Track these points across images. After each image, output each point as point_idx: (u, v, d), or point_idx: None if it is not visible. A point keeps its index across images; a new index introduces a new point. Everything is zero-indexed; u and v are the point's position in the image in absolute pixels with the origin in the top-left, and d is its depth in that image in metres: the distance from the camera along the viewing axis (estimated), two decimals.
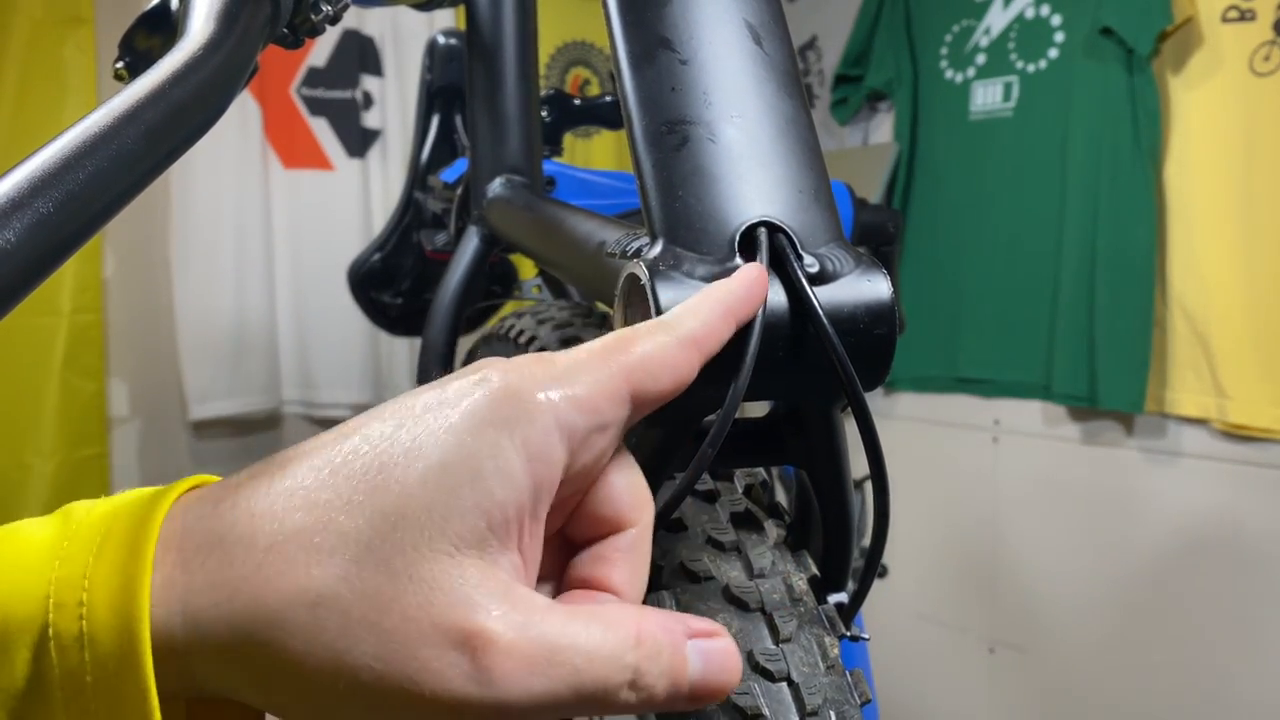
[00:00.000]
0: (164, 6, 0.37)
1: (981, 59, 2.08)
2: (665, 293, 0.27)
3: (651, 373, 0.25)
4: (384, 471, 0.22)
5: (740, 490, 0.35)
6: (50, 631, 0.21)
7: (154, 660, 0.21)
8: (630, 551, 0.26)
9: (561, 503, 0.25)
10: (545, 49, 2.38)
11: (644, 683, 0.23)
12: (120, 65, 0.38)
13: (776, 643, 0.30)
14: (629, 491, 0.26)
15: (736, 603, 0.30)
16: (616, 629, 0.23)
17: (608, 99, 1.09)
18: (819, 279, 0.28)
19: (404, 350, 2.13)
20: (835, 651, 0.31)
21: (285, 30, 0.40)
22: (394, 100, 2.16)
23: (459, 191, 0.87)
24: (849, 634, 0.33)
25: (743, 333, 0.27)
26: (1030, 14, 1.98)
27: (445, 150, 1.23)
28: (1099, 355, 1.80)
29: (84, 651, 0.21)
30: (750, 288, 0.28)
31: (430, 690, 0.21)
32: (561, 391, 0.24)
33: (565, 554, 0.26)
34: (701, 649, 0.24)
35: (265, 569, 0.21)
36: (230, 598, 0.21)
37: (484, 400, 0.23)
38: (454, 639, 0.21)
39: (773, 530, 0.34)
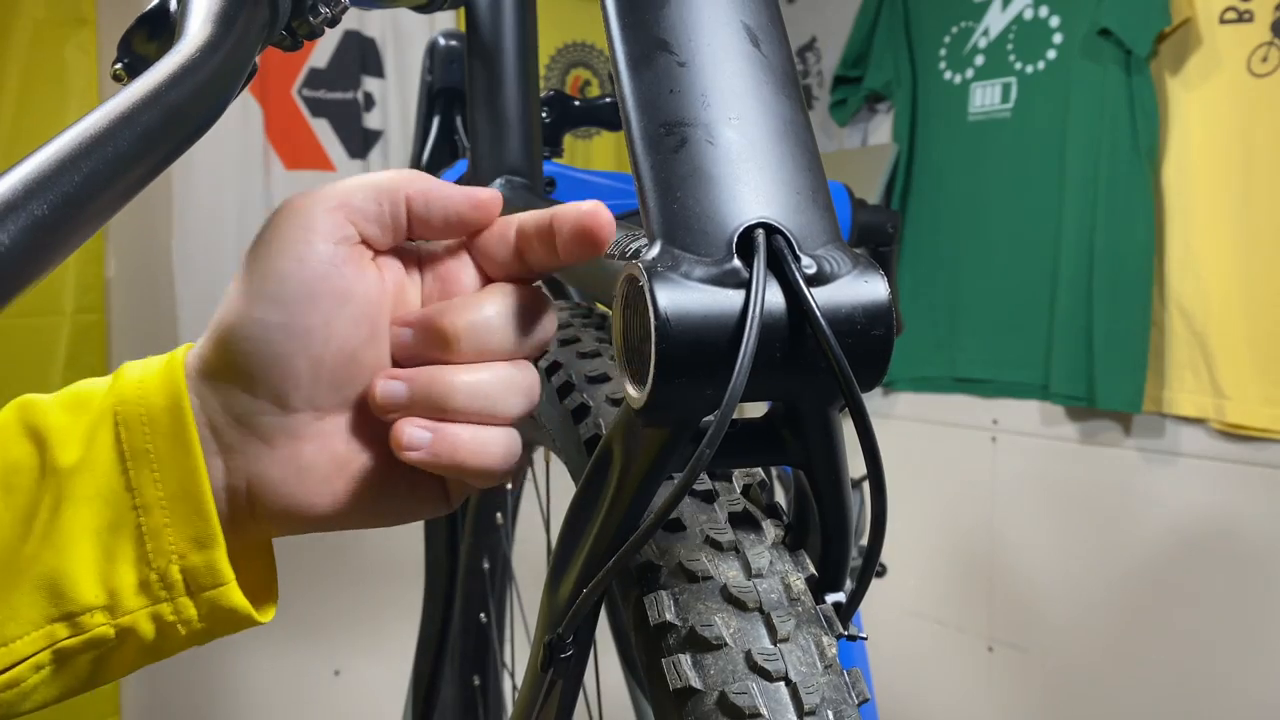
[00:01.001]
0: (162, 8, 0.37)
1: (980, 60, 2.08)
2: (663, 294, 0.27)
3: (422, 191, 0.34)
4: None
5: (738, 490, 0.35)
6: (119, 419, 0.32)
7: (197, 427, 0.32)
8: None
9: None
10: (545, 50, 2.38)
11: None
12: (119, 66, 0.38)
13: (774, 642, 0.30)
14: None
15: (734, 602, 0.30)
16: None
17: (608, 100, 1.09)
18: (816, 280, 0.29)
19: None
20: (833, 651, 0.31)
21: (284, 32, 0.40)
22: (395, 101, 2.16)
23: None
24: (847, 633, 0.33)
25: (739, 333, 0.27)
26: (1029, 15, 1.98)
27: (445, 151, 1.22)
28: (1097, 355, 1.80)
29: (144, 428, 0.32)
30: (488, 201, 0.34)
31: (309, 253, 0.32)
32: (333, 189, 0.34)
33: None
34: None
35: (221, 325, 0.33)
36: (212, 342, 0.33)
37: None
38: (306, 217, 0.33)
39: (771, 530, 0.34)
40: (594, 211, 0.32)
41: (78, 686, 0.32)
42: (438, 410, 0.32)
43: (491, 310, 0.33)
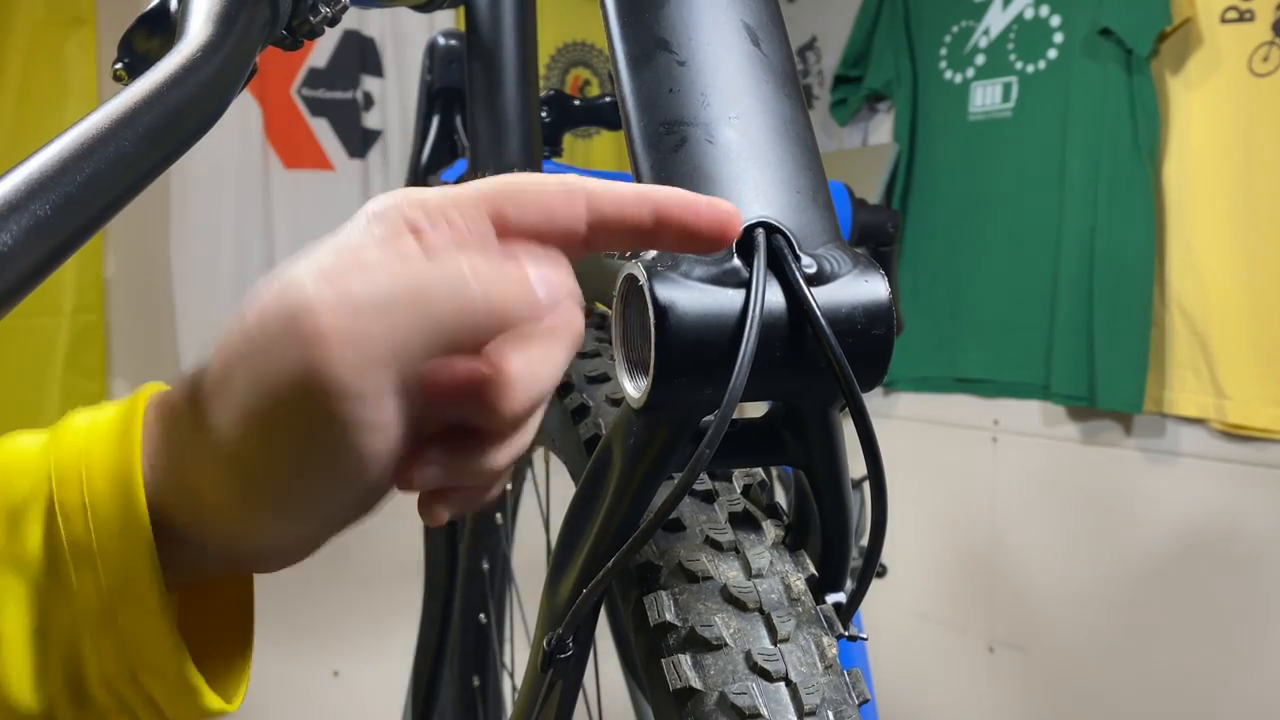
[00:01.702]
0: (163, 8, 0.37)
1: (981, 59, 2.08)
2: (663, 293, 0.27)
3: (515, 200, 0.26)
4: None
5: (738, 490, 0.35)
6: (55, 503, 0.25)
7: (153, 526, 0.24)
8: None
9: None
10: (545, 50, 2.38)
11: None
12: (119, 66, 0.38)
13: (774, 643, 0.30)
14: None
15: (734, 603, 0.30)
16: (459, 262, 0.25)
17: (608, 100, 1.09)
18: (816, 279, 0.29)
19: None
20: (833, 651, 0.31)
21: (284, 32, 0.40)
22: (394, 101, 2.16)
23: None
24: (847, 634, 0.33)
25: (739, 333, 0.27)
26: (1029, 14, 1.98)
27: (445, 151, 1.22)
28: (1098, 355, 1.80)
29: (88, 518, 0.24)
30: (700, 203, 0.27)
31: (290, 381, 0.23)
32: (415, 197, 0.26)
33: None
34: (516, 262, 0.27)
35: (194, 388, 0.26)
36: (174, 420, 0.26)
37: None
38: (282, 324, 0.23)
39: (771, 530, 0.34)
40: (730, 217, 0.27)
41: None
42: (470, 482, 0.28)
43: (550, 379, 0.26)
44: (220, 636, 0.30)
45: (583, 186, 0.27)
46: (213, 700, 0.27)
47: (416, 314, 0.23)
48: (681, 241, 0.27)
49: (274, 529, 0.26)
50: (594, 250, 0.28)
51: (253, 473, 0.25)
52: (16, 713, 0.25)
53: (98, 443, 0.25)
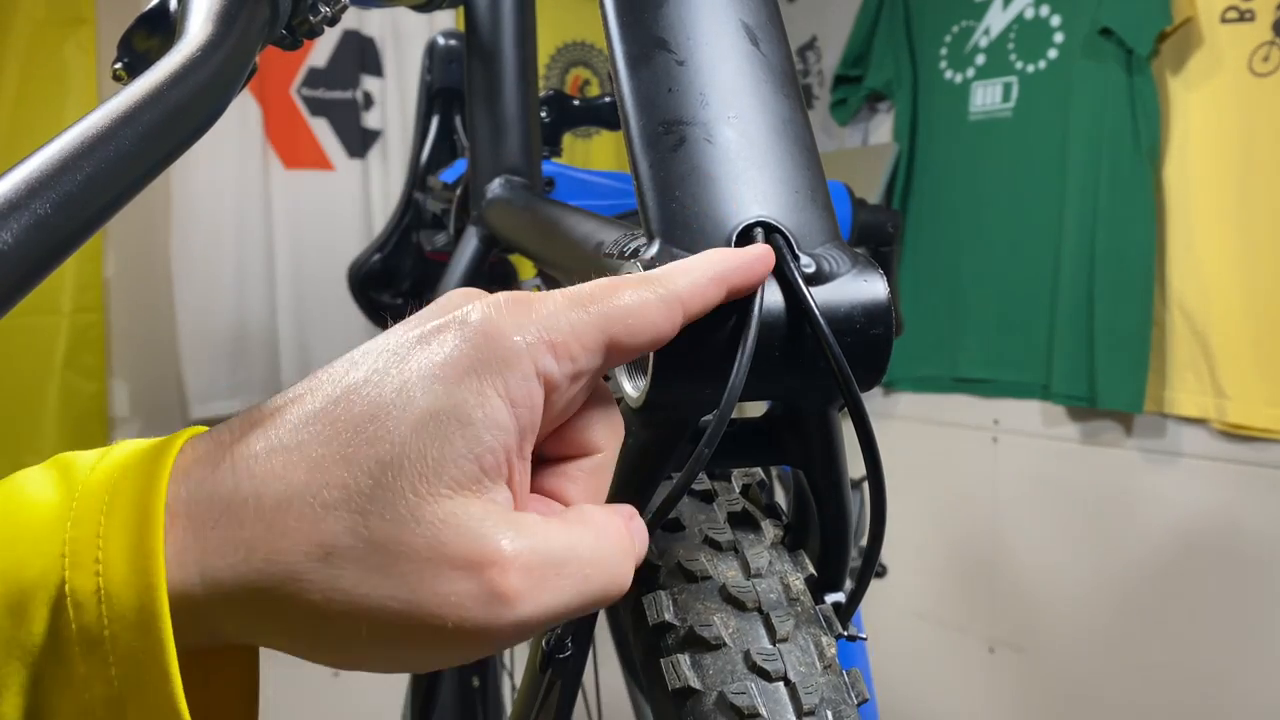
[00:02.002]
0: (162, 7, 0.37)
1: (981, 59, 2.08)
2: None
3: (629, 326, 0.25)
4: (375, 421, 0.23)
5: (737, 490, 0.35)
6: (67, 589, 0.22)
7: (174, 619, 0.22)
8: (593, 474, 0.27)
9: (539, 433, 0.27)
10: (545, 50, 2.38)
11: (632, 567, 0.25)
12: (119, 66, 0.38)
13: (773, 643, 0.30)
14: (603, 424, 0.27)
15: (733, 602, 0.30)
16: (606, 533, 0.25)
17: (607, 99, 1.09)
18: (815, 279, 0.29)
19: None
20: (832, 651, 0.31)
21: (284, 31, 0.40)
22: (394, 101, 2.16)
23: (458, 192, 0.87)
24: (846, 633, 0.33)
25: (738, 332, 0.27)
26: (1030, 14, 1.98)
27: (445, 151, 1.22)
28: (1098, 355, 1.80)
29: (101, 607, 0.22)
30: (752, 261, 0.28)
31: (453, 622, 0.22)
32: (539, 335, 0.24)
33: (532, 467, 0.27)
34: (635, 529, 0.26)
35: (275, 528, 0.22)
36: (245, 559, 0.22)
37: (465, 346, 0.24)
38: (467, 569, 0.22)
39: (770, 530, 0.34)
40: (769, 257, 0.29)
41: None
42: None
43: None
44: (224, 696, 0.27)
45: (677, 297, 0.26)
46: None
47: (576, 586, 0.24)
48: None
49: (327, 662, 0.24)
50: None
51: (323, 641, 0.23)
52: None
53: (118, 513, 0.22)
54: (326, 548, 0.22)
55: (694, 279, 0.27)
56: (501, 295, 0.25)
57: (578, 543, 0.24)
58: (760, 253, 0.28)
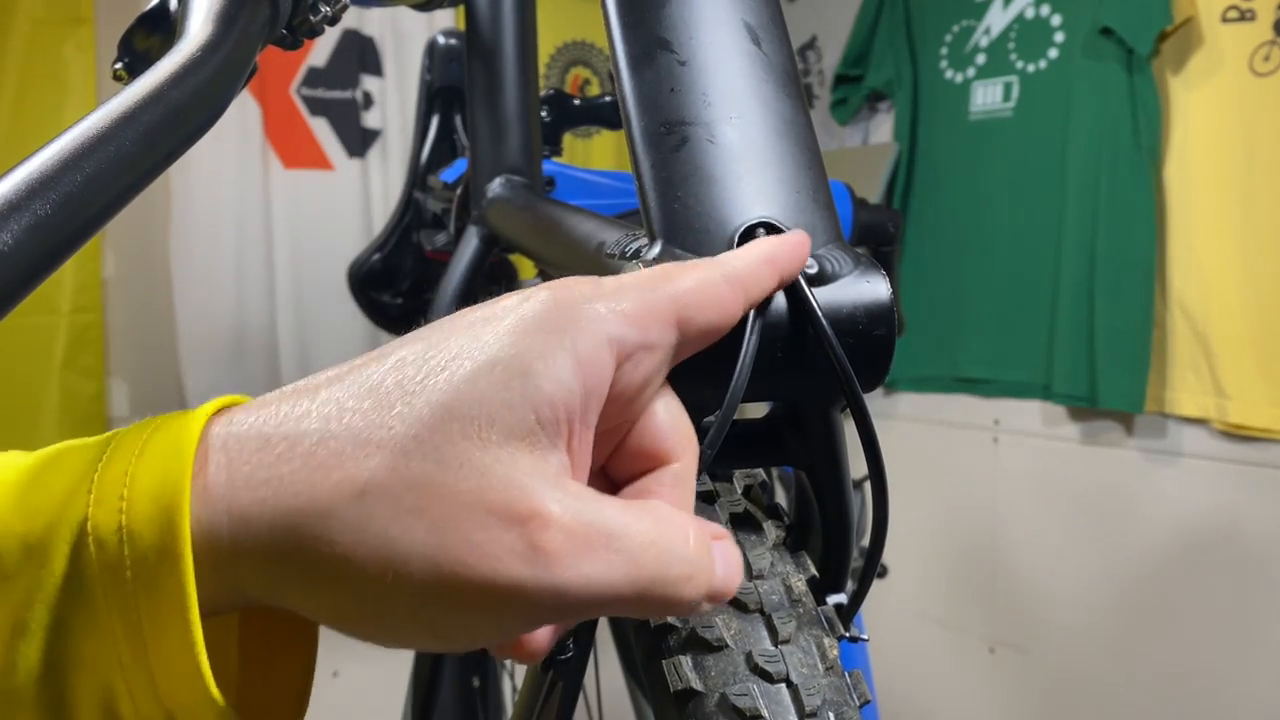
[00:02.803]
0: (163, 7, 0.37)
1: (981, 59, 2.08)
2: None
3: (697, 303, 0.25)
4: (431, 375, 0.22)
5: (739, 491, 0.35)
6: (89, 525, 0.21)
7: (198, 561, 0.21)
8: (674, 487, 0.26)
9: (607, 433, 0.25)
10: (545, 49, 2.38)
11: (698, 580, 0.23)
12: (119, 66, 0.38)
13: (775, 644, 0.30)
14: (674, 427, 0.26)
15: (735, 604, 0.30)
16: (669, 524, 0.23)
17: (607, 99, 1.09)
18: (818, 280, 0.28)
19: None
20: (834, 652, 0.31)
21: (284, 31, 0.40)
22: (394, 100, 2.16)
23: (459, 191, 0.87)
24: (848, 635, 0.33)
25: (740, 333, 0.27)
26: (1030, 14, 1.98)
27: (445, 150, 1.23)
28: (1099, 355, 1.80)
29: (123, 545, 0.21)
30: (795, 246, 0.28)
31: (484, 574, 0.21)
32: (610, 306, 0.24)
33: (608, 491, 0.26)
34: (721, 550, 0.24)
35: (312, 462, 0.21)
36: (276, 492, 0.21)
37: (533, 310, 0.23)
38: (508, 520, 0.21)
39: (772, 531, 0.34)
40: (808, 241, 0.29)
41: None
42: None
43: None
44: (283, 696, 0.26)
45: (739, 277, 0.26)
46: None
47: (624, 566, 0.22)
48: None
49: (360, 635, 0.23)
50: None
51: (344, 594, 0.21)
52: None
53: (149, 452, 0.22)
54: (361, 485, 0.21)
55: (749, 261, 0.27)
56: (568, 278, 0.25)
57: (634, 523, 0.22)
58: (799, 237, 0.28)
